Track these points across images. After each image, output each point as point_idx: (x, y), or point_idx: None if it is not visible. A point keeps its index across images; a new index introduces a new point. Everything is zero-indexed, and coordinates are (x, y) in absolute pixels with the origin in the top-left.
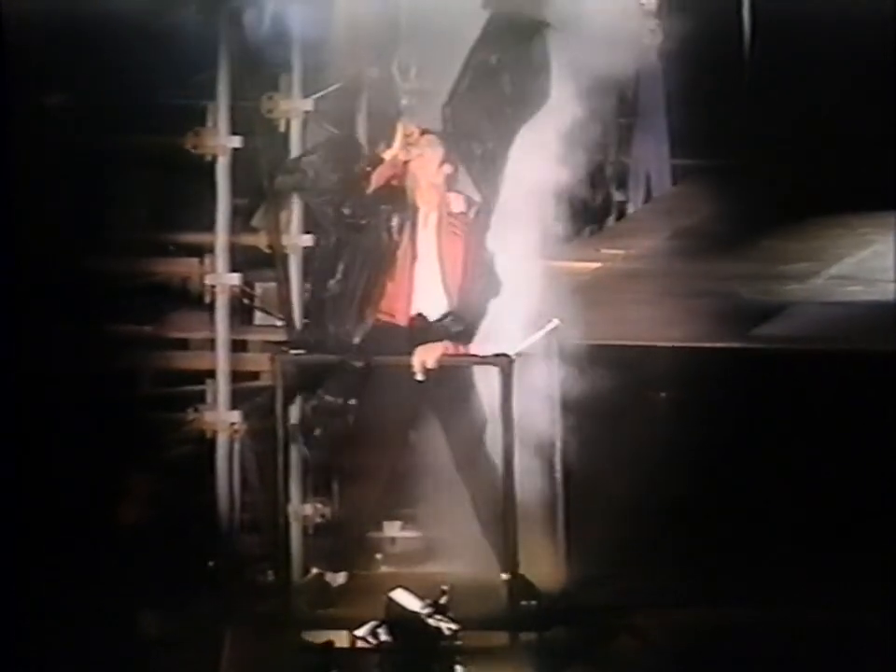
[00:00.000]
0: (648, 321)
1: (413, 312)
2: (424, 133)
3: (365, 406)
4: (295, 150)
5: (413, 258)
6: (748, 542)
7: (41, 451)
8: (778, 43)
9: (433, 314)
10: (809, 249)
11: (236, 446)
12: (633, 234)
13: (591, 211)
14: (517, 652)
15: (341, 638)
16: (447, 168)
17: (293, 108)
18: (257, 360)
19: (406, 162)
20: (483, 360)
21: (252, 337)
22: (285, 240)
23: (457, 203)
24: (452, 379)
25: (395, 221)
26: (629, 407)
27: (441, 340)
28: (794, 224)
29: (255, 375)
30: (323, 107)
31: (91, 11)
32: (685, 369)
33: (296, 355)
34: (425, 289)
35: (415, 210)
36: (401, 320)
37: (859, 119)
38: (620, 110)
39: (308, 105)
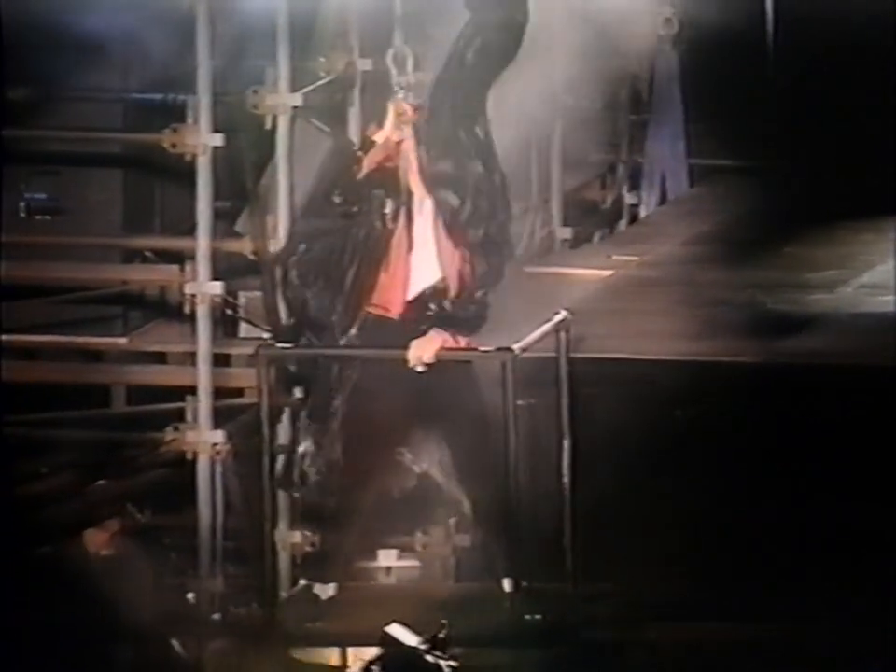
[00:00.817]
0: (663, 333)
1: (408, 304)
2: (417, 109)
3: (355, 406)
4: (282, 148)
5: (409, 247)
6: (763, 560)
7: (5, 471)
8: (806, 31)
9: (430, 305)
10: (837, 256)
11: (219, 469)
12: (647, 239)
13: (601, 214)
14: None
15: (332, 656)
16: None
17: (280, 103)
18: (241, 376)
19: (399, 143)
20: (484, 354)
21: (236, 350)
22: (271, 246)
23: (452, 197)
24: (451, 375)
25: (388, 208)
26: (643, 426)
27: (439, 331)
28: (821, 229)
29: (239, 392)
30: (312, 102)
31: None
32: (703, 385)
33: (282, 348)
34: (421, 280)
35: (410, 195)
36: (396, 313)
37: (891, 118)
38: (632, 105)
39: (296, 99)
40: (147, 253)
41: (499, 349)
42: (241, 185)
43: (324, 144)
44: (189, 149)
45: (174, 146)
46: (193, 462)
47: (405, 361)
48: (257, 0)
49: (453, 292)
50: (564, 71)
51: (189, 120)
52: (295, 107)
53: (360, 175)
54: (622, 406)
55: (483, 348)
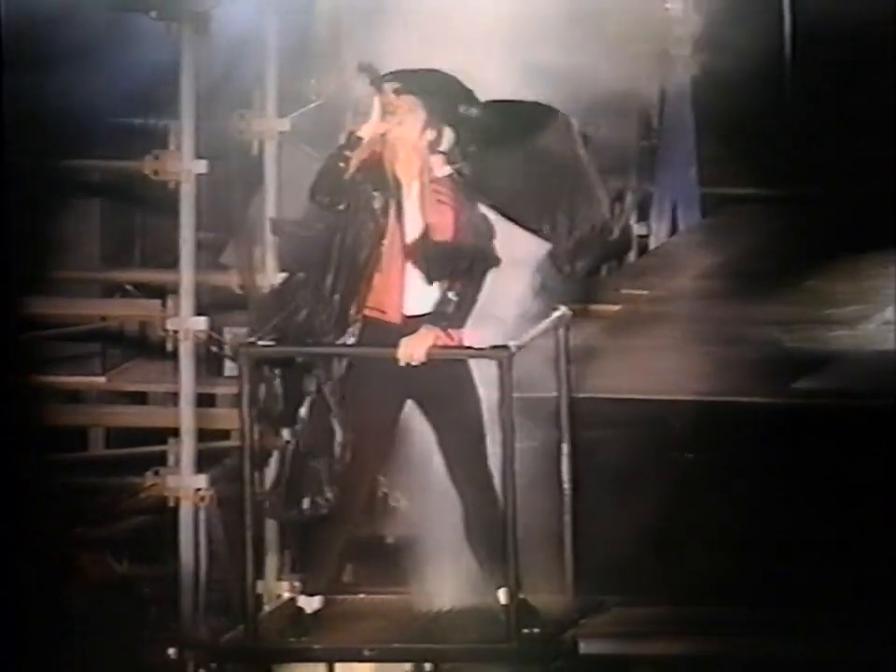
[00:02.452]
0: (674, 372)
1: (406, 306)
2: (400, 93)
3: (344, 406)
4: (270, 176)
5: (403, 244)
6: (768, 577)
7: None
8: (825, 53)
9: (428, 306)
10: (859, 290)
11: (202, 515)
12: (657, 272)
13: (609, 245)
14: None
15: None
16: (430, 133)
17: (267, 128)
18: (226, 417)
19: (384, 134)
20: (480, 353)
21: (221, 390)
22: (259, 279)
23: (440, 167)
24: (444, 374)
25: (377, 203)
26: (652, 469)
27: (430, 328)
28: (842, 262)
29: (224, 434)
30: (302, 127)
31: (37, 21)
32: (717, 427)
33: (265, 346)
34: (416, 278)
35: (398, 185)
36: (393, 317)
37: None
38: (642, 131)
39: (284, 124)
40: (127, 287)
41: (495, 347)
42: (226, 214)
43: (314, 170)
44: (171, 177)
45: (155, 173)
46: (175, 508)
47: (396, 360)
48: (244, 19)
49: (445, 285)
50: (569, 94)
51: (172, 146)
52: (283, 132)
53: (347, 175)
54: (630, 448)
55: (477, 346)
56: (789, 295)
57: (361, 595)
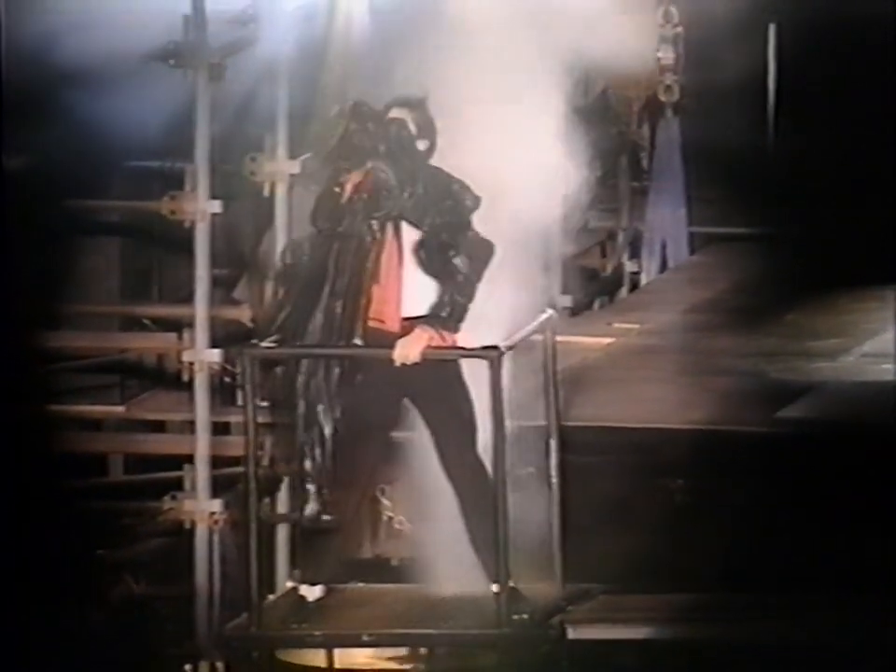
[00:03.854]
0: (664, 402)
1: (403, 314)
2: (390, 109)
3: (344, 407)
4: (280, 215)
5: (400, 259)
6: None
7: (4, 543)
8: (806, 102)
9: (423, 308)
10: (840, 324)
11: (216, 538)
12: (647, 307)
13: (601, 281)
14: None
15: (318, 658)
16: (422, 144)
17: (278, 171)
18: (239, 444)
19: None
20: (472, 353)
21: (234, 419)
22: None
23: None
24: (438, 374)
25: (374, 221)
26: (642, 496)
27: (424, 328)
28: (823, 297)
29: (237, 460)
30: (311, 169)
31: (59, 66)
32: (704, 454)
33: (266, 348)
34: (414, 285)
35: None
36: (392, 326)
37: (893, 186)
38: (633, 172)
39: (294, 167)
40: (145, 321)
41: (486, 347)
42: (239, 252)
43: None
44: (187, 216)
45: (172, 213)
46: (191, 531)
47: (391, 361)
48: (255, 66)
49: (440, 292)
50: (563, 137)
51: (188, 187)
52: (293, 174)
53: (344, 200)
54: (621, 475)
55: (469, 346)
56: (772, 328)
57: (360, 585)
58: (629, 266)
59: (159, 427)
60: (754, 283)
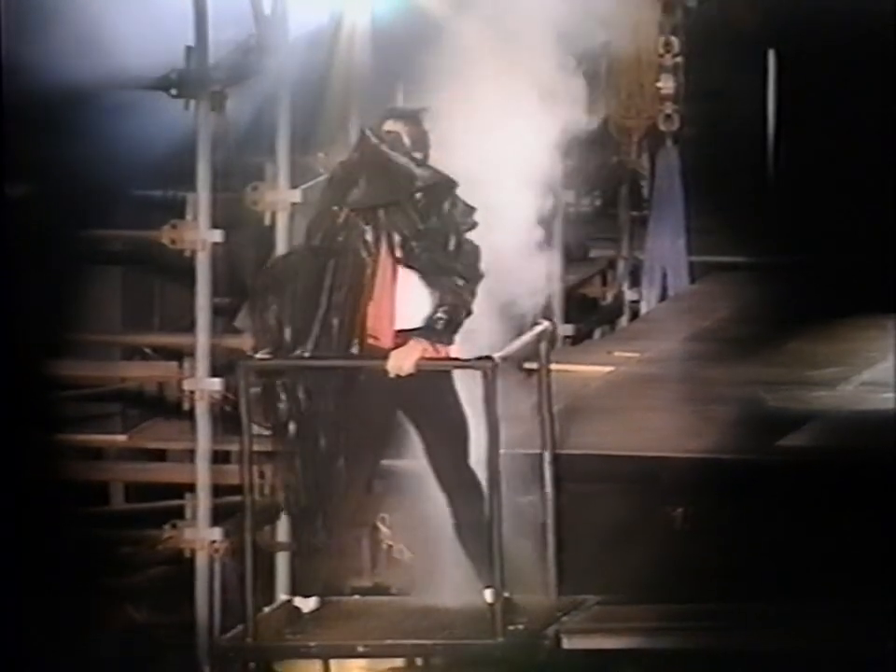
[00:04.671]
0: (664, 430)
1: (397, 328)
2: (384, 122)
3: (339, 415)
4: (281, 245)
5: (393, 276)
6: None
7: (5, 573)
8: (806, 132)
9: (417, 321)
10: (839, 353)
11: (217, 566)
12: (648, 336)
13: (602, 310)
14: None
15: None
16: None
17: (279, 200)
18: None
19: None
20: (465, 364)
21: (235, 447)
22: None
23: None
24: (430, 385)
25: (369, 236)
26: (642, 524)
27: (418, 341)
28: (823, 325)
29: (238, 489)
30: (312, 198)
31: (61, 94)
32: (704, 483)
33: (262, 359)
34: (406, 303)
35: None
36: (386, 343)
37: (892, 215)
38: (633, 202)
39: (296, 196)
40: (146, 349)
41: (480, 358)
42: (240, 281)
43: None
44: (188, 245)
45: (173, 242)
46: (191, 560)
47: (385, 371)
48: (256, 95)
49: (434, 306)
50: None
51: (189, 217)
52: (294, 203)
53: (340, 220)
54: (622, 503)
55: (463, 357)
56: (772, 357)
57: (356, 597)
58: (629, 295)
59: (160, 455)
60: (754, 312)
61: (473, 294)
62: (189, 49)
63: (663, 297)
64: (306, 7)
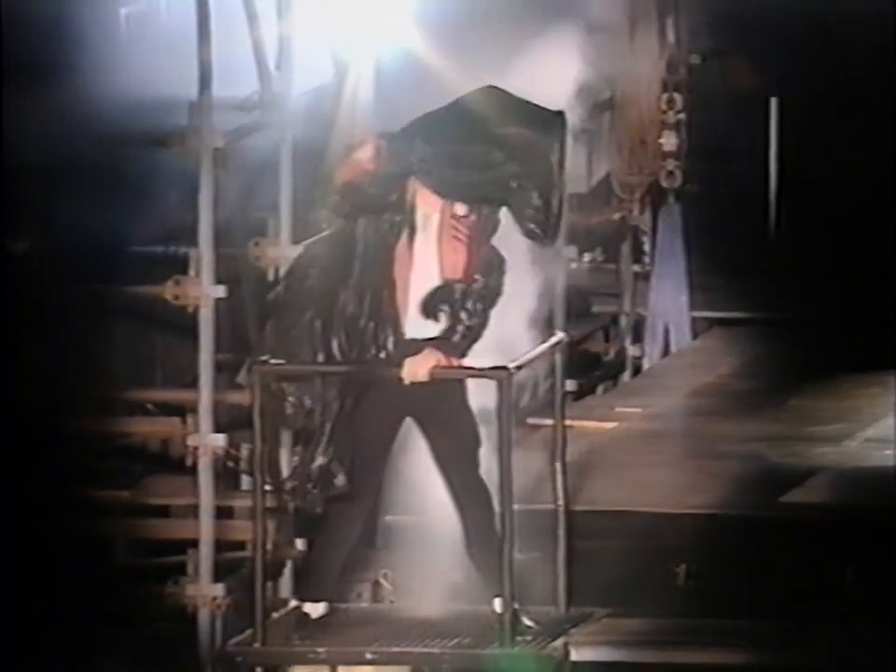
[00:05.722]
0: (667, 486)
1: (413, 336)
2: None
3: (348, 420)
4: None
5: (409, 264)
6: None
7: (7, 628)
8: (807, 189)
9: (434, 331)
10: (842, 409)
11: (220, 623)
12: (650, 392)
13: (605, 366)
14: None
15: None
16: (459, 207)
17: (282, 255)
18: (243, 528)
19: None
20: (480, 373)
21: (238, 503)
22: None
23: (461, 207)
24: (443, 393)
25: (393, 225)
26: (646, 580)
27: (433, 350)
28: (825, 382)
29: (240, 545)
30: (315, 253)
31: (63, 150)
32: (707, 539)
33: (276, 364)
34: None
35: (413, 210)
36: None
37: (893, 271)
38: (635, 257)
39: (298, 251)
40: (149, 405)
41: (495, 367)
42: (243, 336)
43: None
44: (191, 301)
45: (176, 297)
46: (194, 616)
47: (399, 380)
48: (259, 152)
49: (458, 294)
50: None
51: (191, 272)
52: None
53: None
54: (626, 559)
55: (478, 367)
56: (775, 413)
57: (363, 604)
58: (632, 350)
59: (163, 511)
60: (757, 368)
61: (489, 311)
62: (192, 104)
63: (665, 353)
64: (310, 62)
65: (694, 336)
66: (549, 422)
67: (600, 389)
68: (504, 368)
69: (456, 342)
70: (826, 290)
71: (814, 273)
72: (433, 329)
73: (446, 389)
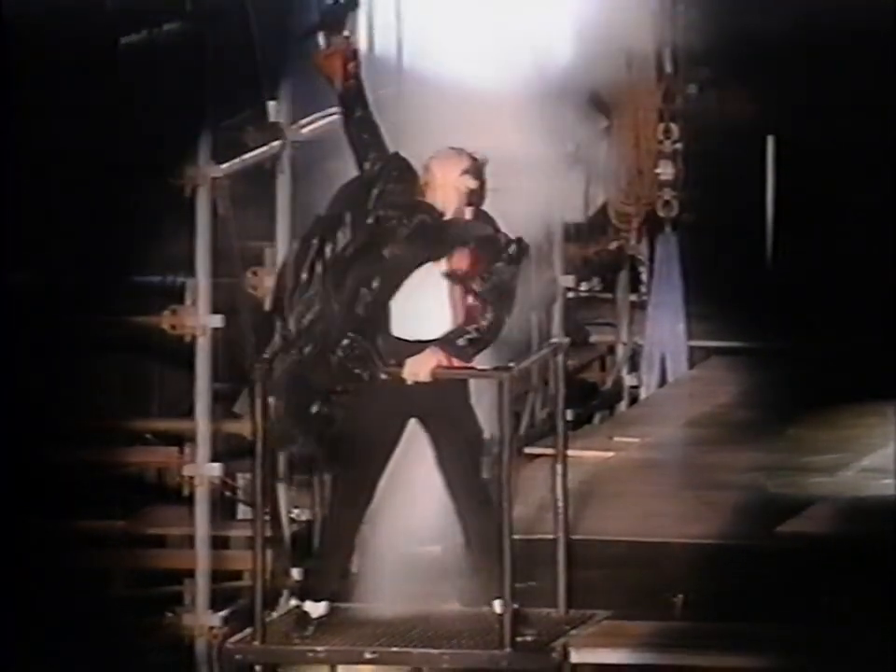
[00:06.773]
0: (664, 516)
1: (418, 337)
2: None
3: (349, 418)
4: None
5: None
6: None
7: (4, 658)
8: (804, 218)
9: (438, 332)
10: (839, 439)
11: (216, 653)
12: (647, 421)
13: (601, 396)
14: None
15: None
16: (469, 180)
17: None
18: (239, 558)
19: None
20: (482, 373)
21: (235, 533)
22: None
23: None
24: (446, 395)
25: (404, 221)
26: (642, 611)
27: (435, 350)
28: (823, 411)
29: (237, 575)
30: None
31: (59, 178)
32: (704, 569)
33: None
34: (427, 301)
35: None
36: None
37: (891, 299)
38: (632, 287)
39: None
40: (146, 435)
41: (496, 368)
42: (240, 366)
43: None
44: (188, 331)
45: (173, 327)
46: (191, 646)
47: (401, 379)
48: (256, 181)
49: (460, 321)
50: (563, 252)
51: (188, 302)
52: None
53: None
54: (622, 589)
55: (479, 367)
56: (772, 443)
57: (364, 604)
58: (629, 380)
59: (159, 541)
60: (754, 397)
61: (508, 313)
62: (189, 135)
63: (662, 382)
64: (309, 91)
65: (691, 365)
66: (548, 451)
67: (597, 419)
68: (506, 368)
69: (464, 345)
70: (823, 320)
71: (811, 303)
72: (433, 329)
73: (448, 390)
